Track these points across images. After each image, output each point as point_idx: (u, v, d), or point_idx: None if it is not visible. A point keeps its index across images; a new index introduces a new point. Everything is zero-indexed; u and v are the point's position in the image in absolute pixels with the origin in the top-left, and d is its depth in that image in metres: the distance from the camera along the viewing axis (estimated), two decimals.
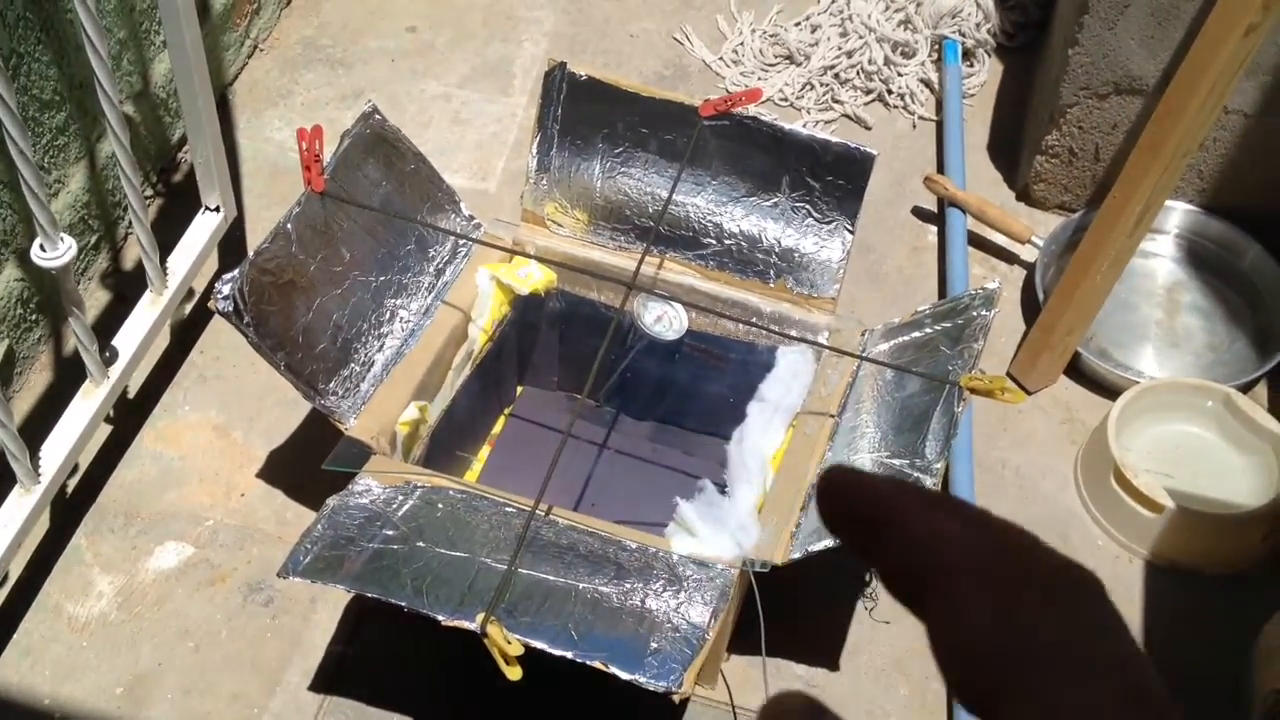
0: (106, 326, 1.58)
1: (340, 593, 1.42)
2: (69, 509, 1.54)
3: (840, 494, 0.33)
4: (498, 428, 1.60)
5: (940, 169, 1.95)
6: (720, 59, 2.12)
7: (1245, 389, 1.68)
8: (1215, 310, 1.79)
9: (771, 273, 1.48)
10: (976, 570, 0.31)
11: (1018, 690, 0.29)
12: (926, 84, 2.07)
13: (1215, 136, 1.73)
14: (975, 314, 1.34)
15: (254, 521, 1.55)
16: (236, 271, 1.26)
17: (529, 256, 1.52)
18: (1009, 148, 1.99)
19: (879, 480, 0.33)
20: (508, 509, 1.25)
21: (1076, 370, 1.72)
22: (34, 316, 1.59)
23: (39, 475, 1.39)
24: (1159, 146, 1.49)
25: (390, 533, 1.21)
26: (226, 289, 1.25)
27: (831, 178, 1.44)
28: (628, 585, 1.19)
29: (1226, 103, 1.63)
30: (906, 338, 1.40)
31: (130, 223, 1.60)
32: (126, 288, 1.71)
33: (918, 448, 1.24)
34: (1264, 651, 1.41)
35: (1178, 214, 1.83)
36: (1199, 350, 1.75)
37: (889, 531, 0.32)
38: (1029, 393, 1.71)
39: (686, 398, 1.57)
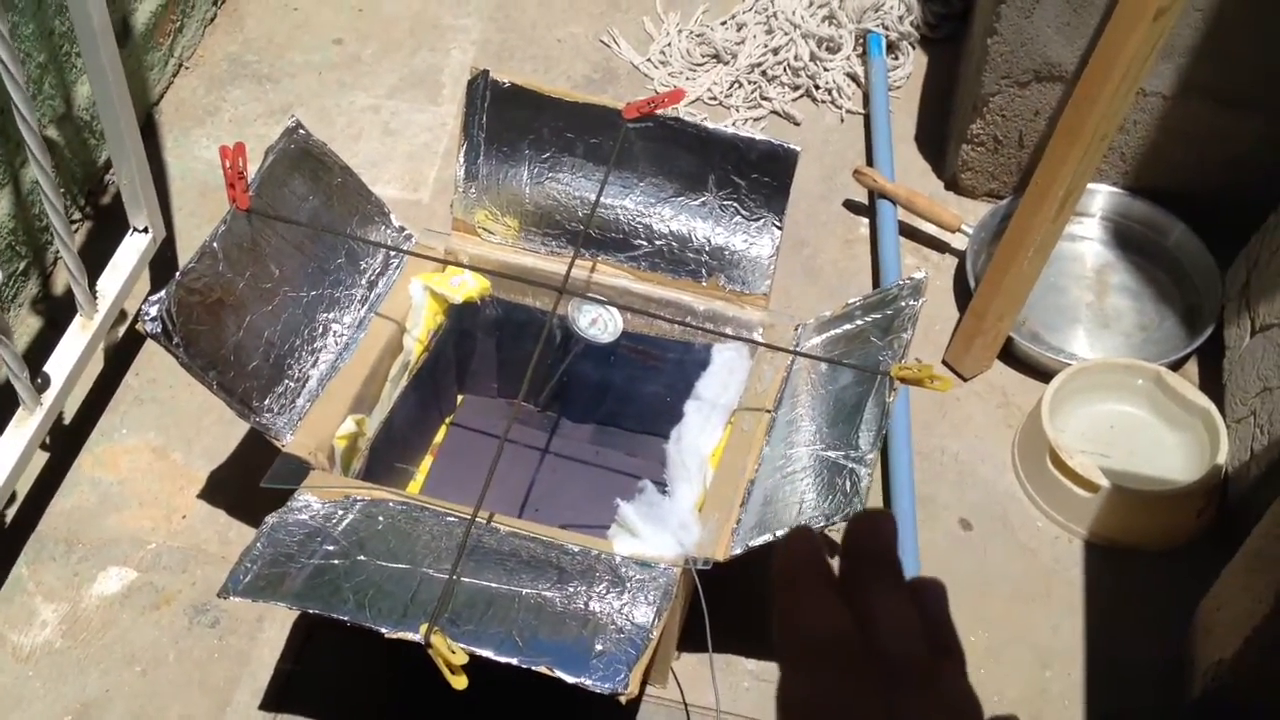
0: (38, 353, 1.57)
1: (287, 610, 1.42)
2: (9, 538, 1.53)
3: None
4: (440, 437, 1.60)
5: (869, 162, 1.97)
6: (648, 60, 2.13)
7: (1175, 366, 1.71)
8: (1144, 290, 1.82)
9: (703, 271, 1.49)
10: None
11: None
12: (853, 78, 2.09)
13: (1135, 119, 1.76)
14: (904, 304, 1.36)
15: (197, 543, 1.54)
16: (163, 293, 1.26)
17: (461, 266, 1.52)
18: (936, 138, 2.02)
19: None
20: (449, 519, 1.25)
21: (1010, 355, 1.74)
22: None
23: None
24: (1078, 131, 1.51)
25: (331, 548, 1.21)
26: (154, 310, 1.25)
27: (757, 175, 1.45)
28: (571, 589, 1.19)
29: (1143, 85, 1.66)
30: (838, 330, 1.41)
31: (58, 248, 1.59)
32: (57, 313, 1.69)
33: (852, 439, 1.25)
34: (1203, 625, 1.44)
35: (1102, 196, 1.86)
36: (1129, 330, 1.78)
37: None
38: (964, 379, 1.73)
39: (625, 399, 1.57)
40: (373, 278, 1.48)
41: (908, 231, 1.88)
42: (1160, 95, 1.73)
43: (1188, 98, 1.72)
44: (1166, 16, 1.41)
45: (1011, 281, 1.64)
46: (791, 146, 1.43)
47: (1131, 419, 1.66)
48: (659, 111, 1.45)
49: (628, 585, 1.21)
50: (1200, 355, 1.73)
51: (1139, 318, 1.79)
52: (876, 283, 1.83)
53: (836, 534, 1.55)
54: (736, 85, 2.09)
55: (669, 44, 2.14)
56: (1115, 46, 1.44)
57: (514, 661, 1.12)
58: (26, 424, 1.45)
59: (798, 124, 2.05)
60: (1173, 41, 1.64)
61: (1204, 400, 1.61)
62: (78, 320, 1.55)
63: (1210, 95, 1.71)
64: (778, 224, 1.47)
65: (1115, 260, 1.86)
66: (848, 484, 1.21)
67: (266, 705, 1.41)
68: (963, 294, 1.82)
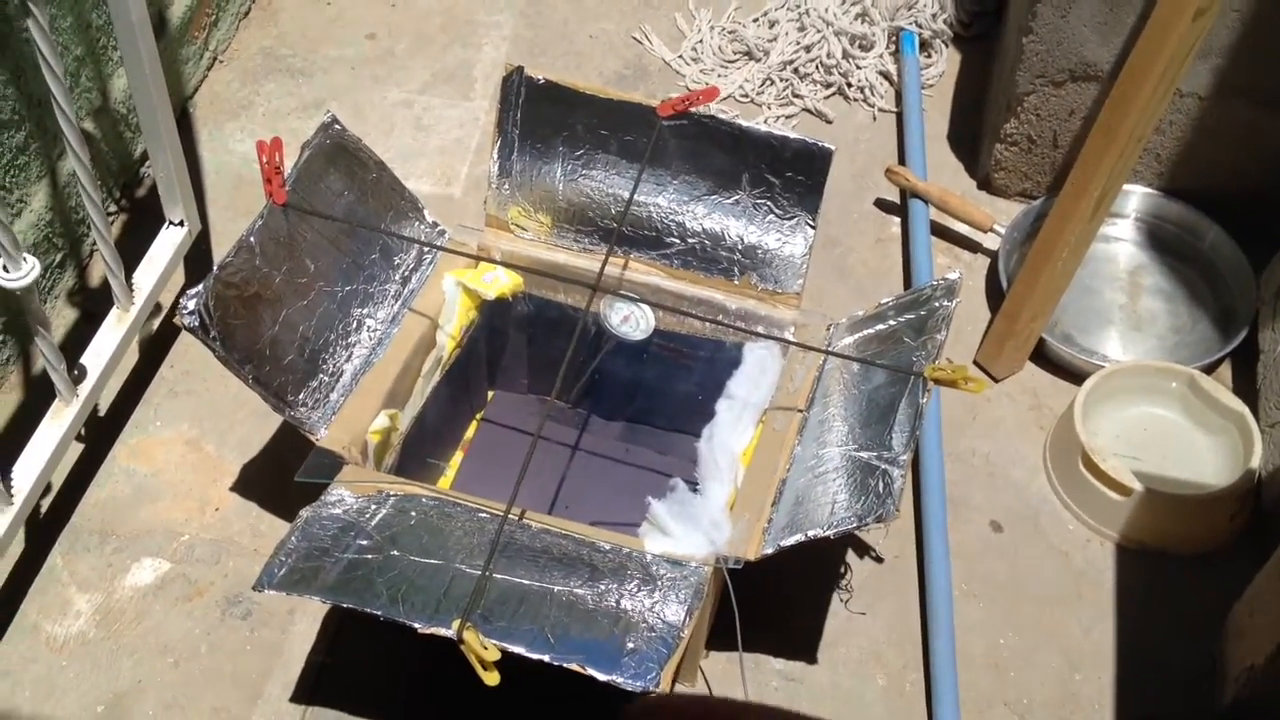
0: (75, 344, 1.58)
1: (318, 603, 1.42)
2: (44, 529, 1.54)
3: None
4: (470, 433, 1.61)
5: (901, 160, 1.97)
6: (680, 57, 2.13)
7: (1209, 370, 1.70)
8: (1177, 292, 1.81)
9: (736, 270, 1.49)
10: None
11: None
12: (885, 76, 2.08)
13: (1171, 119, 1.75)
14: (937, 305, 1.35)
15: (229, 535, 1.55)
16: (201, 286, 1.27)
17: (494, 262, 1.52)
18: (969, 137, 2.01)
19: None
20: (481, 514, 1.25)
21: (1042, 356, 1.74)
22: (1, 337, 1.58)
23: (11, 496, 1.39)
24: (1114, 131, 1.50)
25: (364, 542, 1.21)
26: (192, 304, 1.25)
27: (791, 174, 1.45)
28: (602, 586, 1.20)
29: (1180, 86, 1.65)
30: (871, 330, 1.41)
31: (94, 240, 1.60)
32: (93, 305, 1.71)
33: (885, 440, 1.25)
34: (1235, 630, 1.43)
35: (1137, 197, 1.85)
36: (1162, 333, 1.77)
37: None
38: (996, 380, 1.72)
39: (656, 397, 1.57)
40: (406, 273, 1.49)
41: (940, 231, 1.88)
42: (1197, 96, 1.72)
43: (1224, 99, 1.71)
44: (1205, 17, 1.41)
45: (1045, 282, 1.63)
46: (826, 145, 1.43)
47: (1164, 422, 1.65)
48: (693, 109, 1.45)
49: (659, 583, 1.21)
50: (1234, 358, 1.72)
51: (1173, 320, 1.79)
52: (908, 282, 1.83)
53: (867, 535, 1.55)
54: (768, 82, 2.08)
55: (701, 41, 2.14)
56: (1153, 47, 1.43)
57: (546, 658, 1.12)
58: (63, 415, 1.46)
59: (830, 122, 2.04)
60: (1210, 42, 1.63)
61: (1238, 404, 1.60)
62: (114, 313, 1.57)
63: (1247, 96, 1.70)
64: (811, 223, 1.47)
65: (1149, 262, 1.85)
66: (880, 485, 1.21)
67: (298, 698, 1.42)
68: (994, 295, 1.81)
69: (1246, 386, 1.68)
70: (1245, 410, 1.59)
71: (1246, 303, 1.73)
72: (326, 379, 1.38)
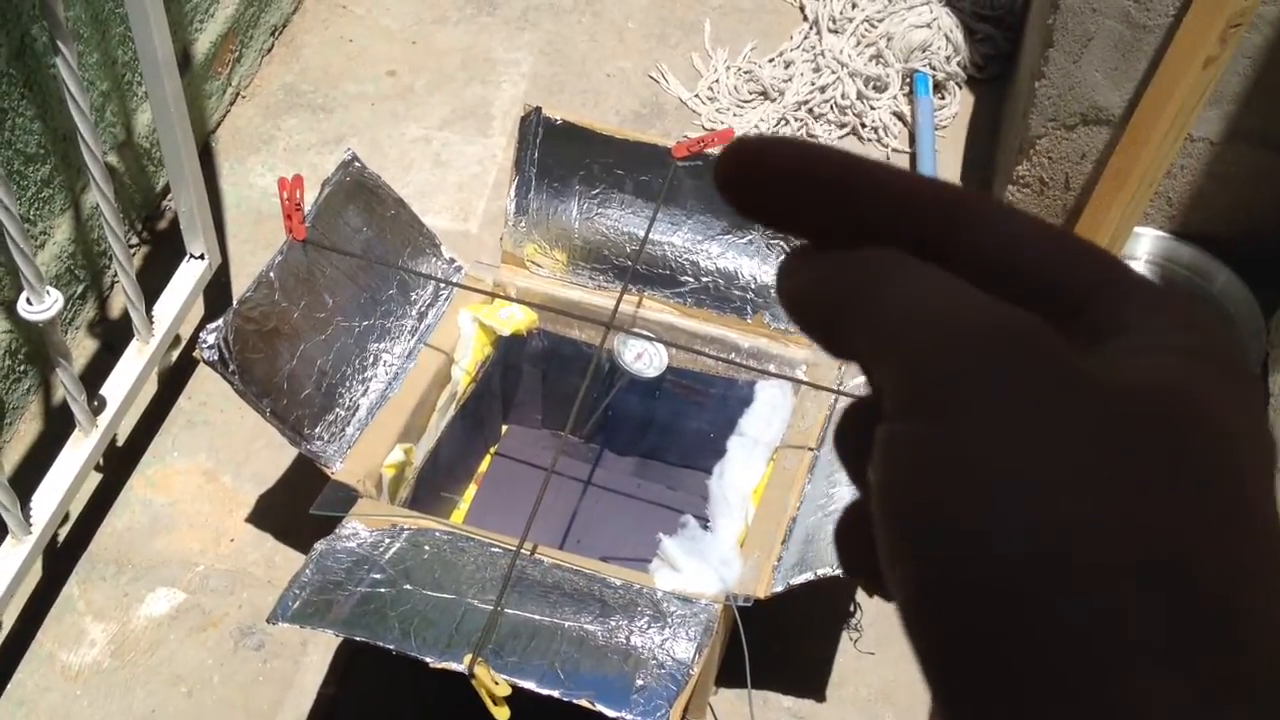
0: (95, 375, 1.60)
1: (331, 636, 1.44)
2: (61, 558, 1.56)
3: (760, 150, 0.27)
4: (484, 466, 1.62)
5: None
6: (696, 96, 2.15)
7: None
8: None
9: (749, 308, 1.50)
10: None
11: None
12: (899, 117, 2.10)
13: (1182, 164, 1.76)
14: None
15: (244, 566, 1.56)
16: (221, 321, 1.28)
17: (510, 299, 1.54)
18: (982, 178, 2.02)
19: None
20: (493, 549, 1.27)
21: None
22: (22, 367, 1.60)
23: (30, 525, 1.41)
24: (1125, 175, 1.52)
25: (378, 576, 1.23)
26: (211, 338, 1.27)
27: None
28: (613, 622, 1.21)
29: (1191, 131, 1.67)
30: None
31: (116, 272, 1.62)
32: (113, 336, 1.73)
33: None
34: None
35: (1149, 240, 1.86)
36: None
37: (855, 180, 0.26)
38: None
39: (668, 433, 1.59)
40: (423, 309, 1.51)
41: None
42: (1208, 141, 1.73)
43: (1235, 143, 1.73)
44: (1215, 65, 1.42)
45: None
46: None
47: None
48: (707, 151, 1.47)
49: (669, 620, 1.22)
50: None
51: None
52: None
53: None
54: (783, 122, 2.10)
55: (717, 80, 2.17)
56: (1164, 93, 1.45)
57: (556, 694, 1.13)
58: (82, 445, 1.48)
59: None
60: (1221, 88, 1.65)
61: None
62: (134, 344, 1.59)
63: (1259, 141, 1.72)
64: None
65: None
66: None
67: None
68: None
69: None
70: None
71: (1257, 346, 1.74)
72: (343, 413, 1.40)
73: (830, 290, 0.25)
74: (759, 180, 0.26)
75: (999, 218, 0.26)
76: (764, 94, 2.14)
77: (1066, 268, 0.25)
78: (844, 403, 1.42)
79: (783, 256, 0.27)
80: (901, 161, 2.06)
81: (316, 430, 1.37)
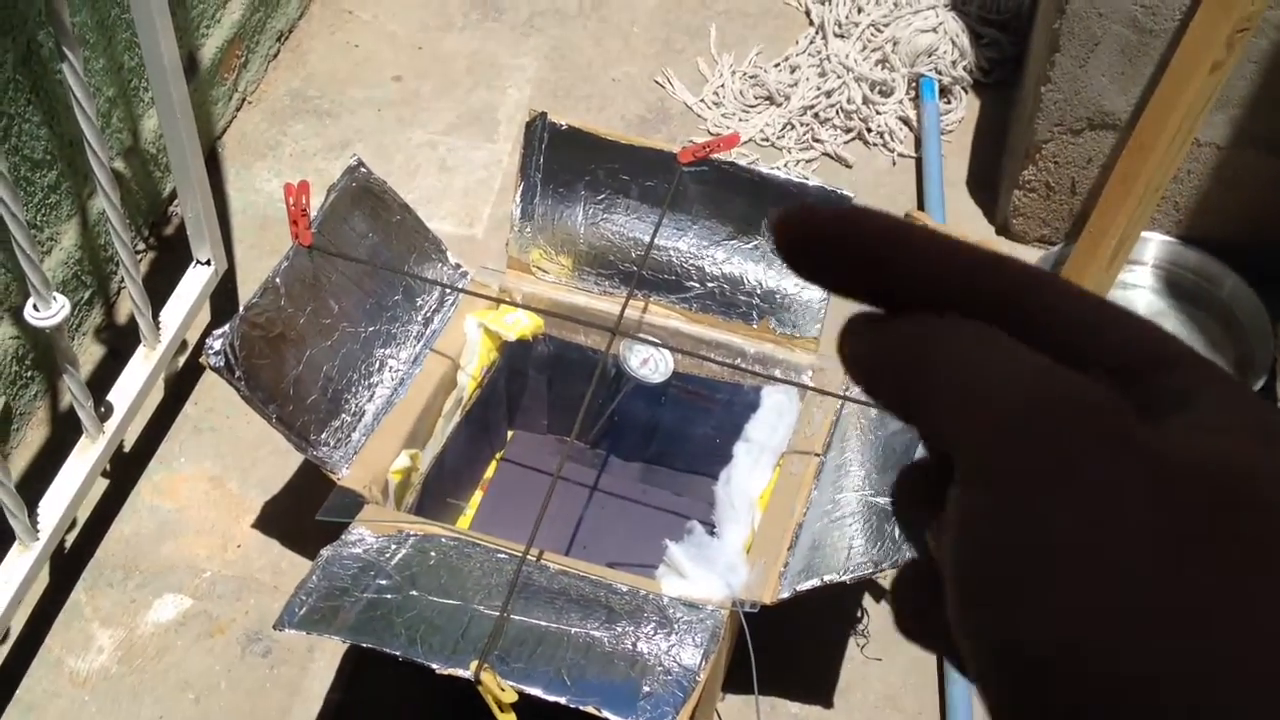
0: (101, 381, 1.60)
1: (338, 642, 1.44)
2: (68, 564, 1.56)
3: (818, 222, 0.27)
4: (490, 472, 1.62)
5: (920, 205, 1.98)
6: (701, 101, 2.15)
7: None
8: (1195, 340, 1.82)
9: (754, 314, 1.50)
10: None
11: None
12: (905, 121, 2.10)
13: (1189, 169, 1.76)
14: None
15: (251, 572, 1.56)
16: (227, 327, 1.29)
17: (515, 304, 1.54)
18: (988, 183, 2.02)
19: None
20: (499, 555, 1.27)
21: None
22: (29, 373, 1.61)
23: (38, 531, 1.41)
24: (1132, 180, 1.52)
25: (384, 582, 1.23)
26: (218, 344, 1.27)
27: None
28: (619, 629, 1.21)
29: (1198, 136, 1.66)
30: None
31: (122, 278, 1.62)
32: (120, 342, 1.73)
33: None
34: None
35: (1155, 245, 1.86)
36: None
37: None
38: None
39: (674, 439, 1.59)
40: (429, 314, 1.51)
41: None
42: (1215, 145, 1.73)
43: (1242, 148, 1.72)
44: (1222, 69, 1.42)
45: None
46: (845, 193, 1.45)
47: None
48: (713, 156, 1.47)
49: (675, 626, 1.22)
50: None
51: None
52: None
53: (884, 579, 1.56)
54: (789, 127, 2.10)
55: (722, 85, 2.17)
56: (1171, 98, 1.45)
57: (562, 700, 1.13)
58: (89, 451, 1.48)
59: (849, 166, 2.06)
60: (1228, 93, 1.65)
61: None
62: (140, 350, 1.59)
63: (1266, 146, 1.71)
64: None
65: (1167, 309, 1.85)
66: (897, 531, 1.21)
67: None
68: None
69: None
70: None
71: (1265, 351, 1.73)
72: (349, 418, 1.40)
73: (894, 356, 0.25)
74: (813, 250, 0.27)
75: (1057, 288, 0.26)
76: (769, 99, 2.14)
77: (1126, 339, 0.25)
78: (850, 408, 1.42)
79: (847, 318, 0.27)
80: (907, 166, 2.06)
81: (323, 436, 1.37)
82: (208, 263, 1.68)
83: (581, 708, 1.12)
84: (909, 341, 0.25)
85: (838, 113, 2.10)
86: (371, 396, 1.43)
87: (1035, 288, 0.26)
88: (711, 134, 2.08)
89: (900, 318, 0.26)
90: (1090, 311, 0.26)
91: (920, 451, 0.25)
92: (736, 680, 1.42)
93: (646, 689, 1.15)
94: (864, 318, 0.26)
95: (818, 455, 1.40)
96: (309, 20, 2.24)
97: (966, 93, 2.15)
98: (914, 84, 2.13)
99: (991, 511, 0.22)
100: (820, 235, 0.26)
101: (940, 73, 2.13)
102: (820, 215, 0.26)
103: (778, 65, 2.19)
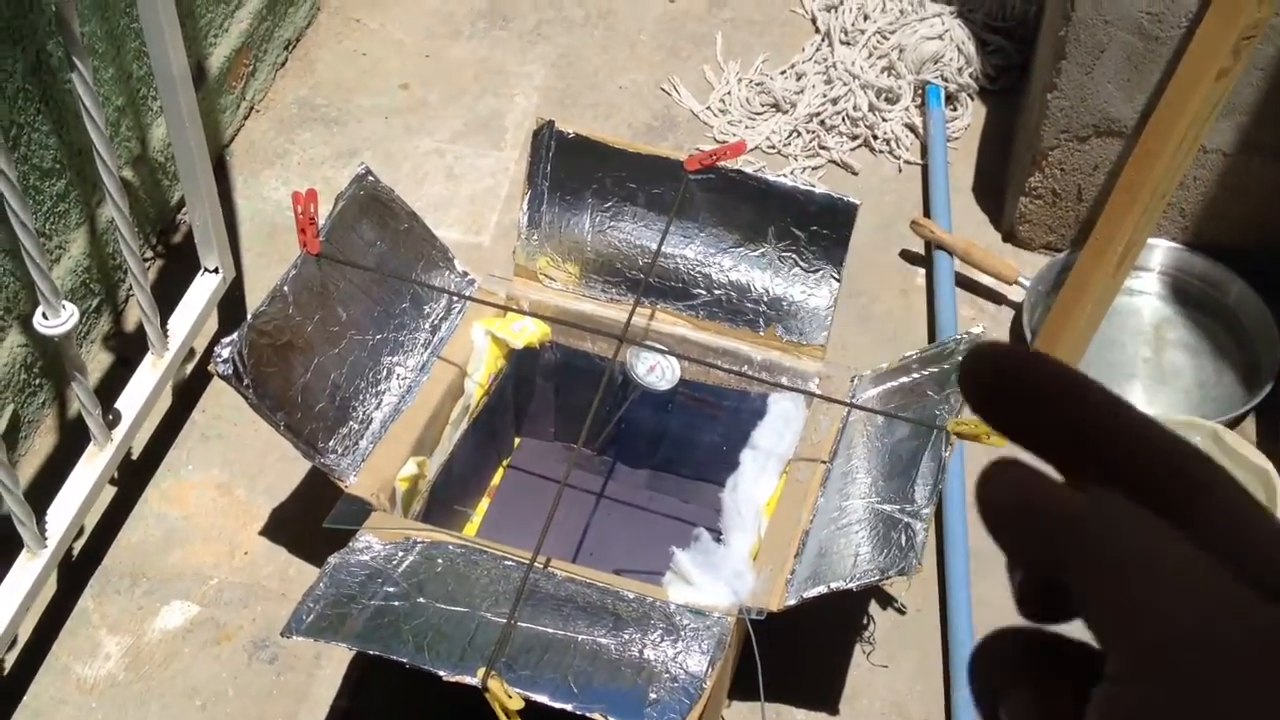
0: (109, 389, 1.61)
1: (345, 649, 1.44)
2: (75, 571, 1.56)
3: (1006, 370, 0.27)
4: (496, 479, 1.62)
5: (926, 212, 1.98)
6: (708, 108, 2.15)
7: (1233, 424, 1.70)
8: (1202, 346, 1.82)
9: (761, 321, 1.50)
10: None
11: None
12: (911, 128, 2.10)
13: (1195, 175, 1.76)
14: (961, 359, 1.36)
15: (258, 579, 1.57)
16: (235, 335, 1.29)
17: (522, 312, 1.54)
18: (994, 189, 2.02)
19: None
20: (506, 562, 1.27)
21: None
22: (38, 381, 1.61)
23: (45, 539, 1.41)
24: (1138, 187, 1.52)
25: (391, 589, 1.23)
26: (226, 352, 1.28)
27: (816, 228, 1.47)
28: (626, 636, 1.21)
29: (1204, 142, 1.67)
30: (895, 383, 1.42)
31: (131, 286, 1.63)
32: (128, 350, 1.73)
33: (908, 493, 1.26)
34: None
35: (1161, 251, 1.86)
36: (1187, 387, 1.78)
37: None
38: None
39: (681, 446, 1.59)
40: (436, 322, 1.51)
41: (964, 283, 1.89)
42: (1221, 152, 1.73)
43: (1249, 155, 1.72)
44: (1228, 77, 1.42)
45: (1069, 336, 1.64)
46: (851, 200, 1.45)
47: None
48: (720, 163, 1.47)
49: (682, 634, 1.22)
50: (1259, 413, 1.73)
51: (1197, 374, 1.79)
52: (932, 334, 1.84)
53: (890, 586, 1.56)
54: (795, 134, 2.11)
55: (729, 92, 2.17)
56: (1177, 105, 1.45)
57: (569, 707, 1.13)
58: (97, 459, 1.49)
59: (855, 173, 2.06)
60: (1234, 100, 1.65)
61: (1262, 459, 1.60)
62: (149, 358, 1.59)
63: (1272, 153, 1.71)
64: (836, 276, 1.48)
65: (1173, 316, 1.85)
66: (903, 538, 1.22)
67: None
68: None
69: (1271, 441, 1.68)
70: (1269, 465, 1.59)
71: (1271, 357, 1.73)
72: (356, 426, 1.40)
73: (1056, 526, 0.25)
74: (1002, 399, 0.27)
75: (1229, 490, 0.26)
76: (776, 106, 2.14)
77: None
78: (856, 415, 1.42)
79: (990, 463, 0.26)
80: (913, 173, 2.06)
81: (330, 444, 1.37)
82: (216, 270, 1.69)
83: (588, 714, 1.13)
84: (1079, 517, 0.25)
85: (844, 120, 2.10)
86: (379, 404, 1.43)
87: (1216, 489, 0.25)
88: (718, 141, 2.08)
89: (1067, 484, 0.25)
90: (1260, 519, 0.25)
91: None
92: (742, 687, 1.43)
93: (653, 696, 1.15)
94: (1018, 468, 0.26)
95: (824, 462, 1.40)
96: (317, 29, 2.25)
97: (972, 100, 2.15)
98: (920, 91, 2.13)
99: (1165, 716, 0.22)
100: (1014, 373, 0.27)
101: (946, 80, 2.13)
102: (1015, 354, 0.27)
103: (784, 73, 2.19)
